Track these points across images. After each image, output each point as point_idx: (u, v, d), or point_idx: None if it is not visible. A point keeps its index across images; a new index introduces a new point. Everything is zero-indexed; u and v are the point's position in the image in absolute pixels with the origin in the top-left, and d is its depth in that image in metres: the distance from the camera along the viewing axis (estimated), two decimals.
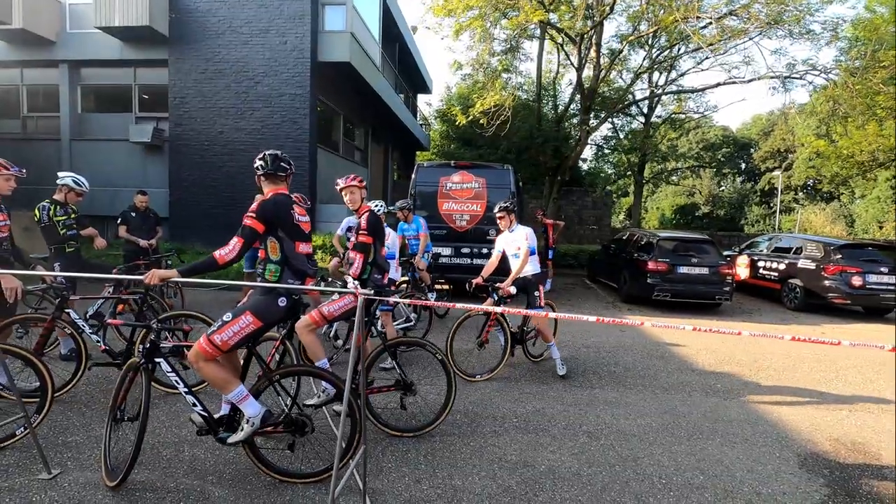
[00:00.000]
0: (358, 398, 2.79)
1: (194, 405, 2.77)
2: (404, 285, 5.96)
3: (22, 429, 3.00)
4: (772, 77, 11.85)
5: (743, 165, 39.35)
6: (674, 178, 32.45)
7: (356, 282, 3.24)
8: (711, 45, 10.88)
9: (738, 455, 3.36)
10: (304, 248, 2.82)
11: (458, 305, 3.08)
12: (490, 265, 4.88)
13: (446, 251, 8.23)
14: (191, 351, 2.63)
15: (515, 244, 4.71)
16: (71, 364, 4.26)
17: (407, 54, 20.81)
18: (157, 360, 2.78)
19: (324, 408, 3.48)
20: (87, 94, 13.78)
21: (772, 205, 35.71)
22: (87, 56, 13.10)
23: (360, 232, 3.55)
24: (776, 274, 9.88)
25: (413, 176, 8.69)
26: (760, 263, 10.45)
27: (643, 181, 19.72)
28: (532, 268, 4.70)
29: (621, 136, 19.59)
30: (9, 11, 11.07)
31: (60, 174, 4.77)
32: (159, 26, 12.07)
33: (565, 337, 6.36)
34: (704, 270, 8.46)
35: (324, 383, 3.35)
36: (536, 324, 4.78)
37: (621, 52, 14.68)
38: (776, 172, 32.19)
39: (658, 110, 19.76)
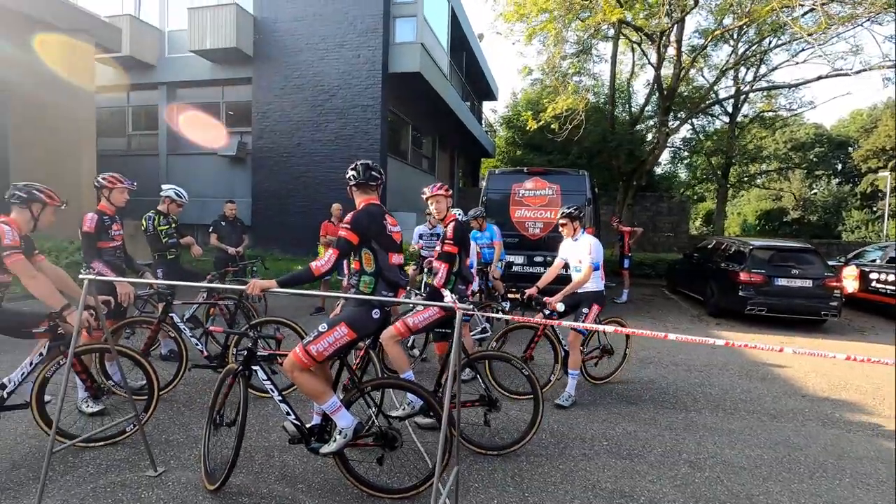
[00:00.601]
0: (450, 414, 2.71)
1: (288, 414, 2.80)
2: (477, 295, 5.86)
3: (132, 426, 3.19)
4: (889, 67, 10.56)
5: (839, 166, 35.67)
6: (758, 181, 30.01)
7: (454, 296, 3.13)
8: (812, 34, 9.89)
9: (875, 500, 2.91)
10: (396, 258, 2.79)
11: (520, 319, 2.92)
12: (548, 274, 4.42)
13: (519, 260, 8.04)
14: (286, 360, 2.66)
15: (578, 256, 4.25)
16: (170, 364, 4.55)
17: (473, 61, 20.88)
18: (253, 367, 2.85)
19: (406, 421, 3.44)
20: (182, 112, 14.98)
21: (875, 209, 32.05)
22: (182, 77, 14.27)
23: (447, 241, 3.48)
24: (894, 287, 8.75)
25: (484, 183, 8.60)
26: (873, 276, 9.31)
27: (727, 185, 18.30)
28: (593, 284, 4.19)
29: (702, 137, 18.32)
30: (118, 41, 12.28)
31: (164, 186, 5.14)
32: (245, 47, 12.91)
33: (649, 353, 5.96)
34: (807, 283, 7.64)
35: (409, 396, 3.30)
36: (569, 343, 4.24)
37: (704, 47, 13.76)
38: (882, 173, 28.82)
39: (745, 109, 18.34)
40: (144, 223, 4.85)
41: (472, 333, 5.05)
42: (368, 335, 2.90)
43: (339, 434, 2.65)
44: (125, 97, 15.18)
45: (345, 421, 2.65)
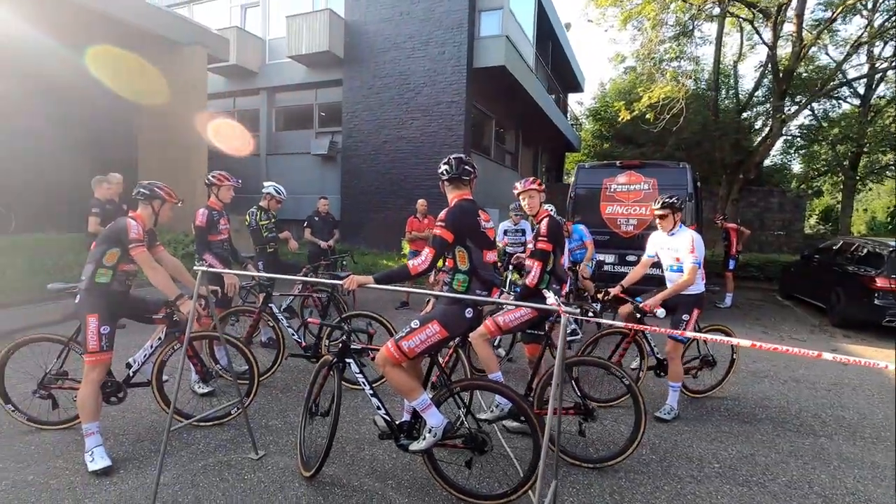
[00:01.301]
0: (537, 418, 2.56)
1: (378, 408, 2.80)
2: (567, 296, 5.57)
3: (236, 409, 3.39)
4: None
5: None
6: (889, 172, 25.95)
7: (559, 298, 2.94)
8: None
9: None
10: (490, 256, 2.68)
11: (609, 322, 2.64)
12: (635, 273, 4.02)
13: (609, 259, 7.58)
14: (378, 354, 2.65)
15: (675, 253, 3.77)
16: (269, 351, 4.81)
17: (559, 52, 20.18)
18: (347, 359, 2.88)
19: (494, 424, 3.32)
20: (280, 115, 16.02)
21: None
22: (281, 82, 15.23)
23: (540, 238, 3.30)
24: None
25: (573, 178, 8.21)
26: None
27: (856, 177, 15.97)
28: (693, 286, 3.72)
29: (825, 124, 16.11)
30: (227, 51, 13.37)
31: (265, 184, 5.44)
32: (336, 50, 13.48)
33: (762, 365, 5.33)
34: None
35: (497, 398, 3.18)
36: (668, 353, 3.82)
37: (831, 21, 12.06)
38: None
39: (880, 89, 15.83)
40: (248, 218, 5.17)
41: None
42: (460, 334, 2.81)
43: (429, 432, 2.59)
44: (231, 102, 16.53)
45: (434, 419, 2.59)
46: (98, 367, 2.88)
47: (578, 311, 2.09)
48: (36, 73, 9.76)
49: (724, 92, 17.50)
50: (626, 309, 4.00)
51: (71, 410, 3.28)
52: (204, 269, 2.68)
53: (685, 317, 3.74)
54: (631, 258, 7.53)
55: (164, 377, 3.34)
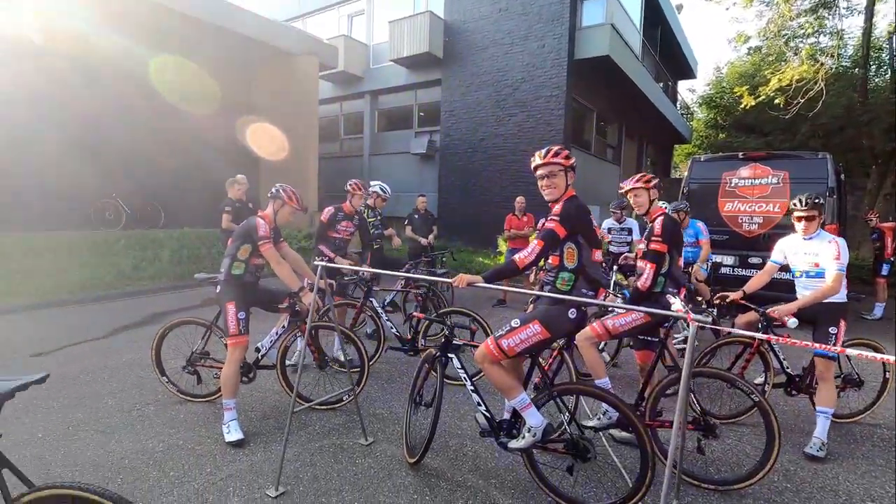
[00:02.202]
0: (647, 430, 2.40)
1: (479, 404, 2.81)
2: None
3: (347, 396, 3.61)
4: None
5: None
6: None
7: (684, 303, 2.73)
8: None
9: None
10: (598, 255, 2.56)
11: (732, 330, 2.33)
12: (758, 279, 3.57)
13: (728, 261, 6.90)
14: (478, 351, 2.66)
15: (814, 258, 3.27)
16: (371, 343, 5.06)
17: (669, 37, 18.77)
18: (449, 354, 2.93)
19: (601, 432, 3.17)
20: (382, 116, 16.77)
21: None
22: (383, 85, 15.93)
23: (654, 238, 3.08)
24: None
25: (686, 172, 7.59)
26: None
27: None
28: (837, 295, 3.23)
29: None
30: (335, 58, 14.29)
31: (372, 183, 5.72)
32: (436, 50, 13.77)
33: None
34: None
35: (604, 405, 3.04)
36: (819, 373, 3.29)
37: None
38: None
39: None
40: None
41: (672, 342, 4.47)
42: (563, 335, 2.72)
43: (528, 432, 2.55)
44: (338, 107, 17.64)
45: (534, 419, 2.54)
46: (238, 349, 3.22)
47: (710, 319, 1.90)
48: (179, 88, 11.18)
49: (873, 69, 15.06)
50: (747, 317, 3.61)
51: (211, 386, 3.72)
52: (323, 263, 2.88)
53: (832, 329, 3.25)
54: (754, 260, 6.79)
55: (287, 362, 3.66)
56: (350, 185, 4.88)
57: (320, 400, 3.55)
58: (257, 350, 3.64)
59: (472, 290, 8.59)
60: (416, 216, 7.56)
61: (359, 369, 3.65)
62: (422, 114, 15.70)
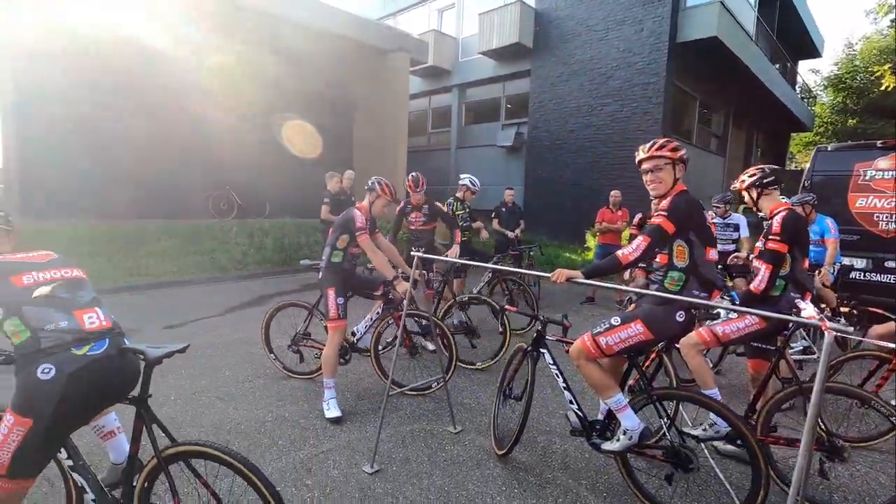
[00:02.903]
0: (761, 446, 2.20)
1: (571, 402, 2.75)
2: None
3: (436, 383, 3.70)
4: None
5: None
6: None
7: (820, 312, 2.46)
8: None
9: None
10: (712, 253, 2.37)
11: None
12: None
13: (859, 264, 6.09)
14: (573, 347, 2.59)
15: None
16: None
17: (789, 12, 16.82)
18: (542, 349, 2.89)
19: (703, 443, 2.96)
20: (469, 109, 16.84)
21: None
22: (471, 78, 15.96)
23: (772, 237, 2.79)
24: None
25: (809, 164, 6.78)
26: None
27: None
28: None
29: None
30: (425, 53, 14.56)
31: (462, 176, 5.78)
32: (525, 40, 13.52)
33: None
34: None
35: (711, 416, 2.83)
36: None
37: None
38: None
39: None
40: (445, 208, 5.55)
41: (790, 352, 4.04)
42: (667, 338, 2.57)
43: (624, 434, 2.44)
44: (426, 101, 17.99)
45: (630, 422, 2.43)
46: (338, 332, 3.43)
47: (850, 329, 1.69)
48: (278, 88, 12.05)
49: None
50: (885, 328, 3.16)
51: (312, 365, 4.00)
52: (420, 254, 2.96)
53: None
54: (891, 264, 5.93)
55: (380, 347, 3.83)
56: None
57: (411, 386, 3.68)
58: (353, 334, 3.84)
59: (560, 286, 8.38)
60: (504, 209, 7.52)
61: (447, 358, 3.72)
62: (509, 106, 15.54)
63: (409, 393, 3.72)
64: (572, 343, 2.66)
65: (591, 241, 10.97)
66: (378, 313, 3.81)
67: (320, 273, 3.60)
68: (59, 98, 8.75)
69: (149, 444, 1.77)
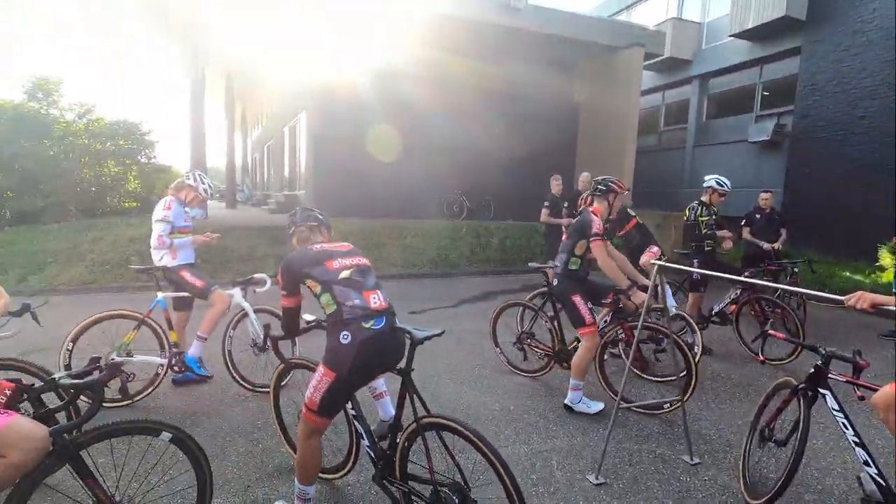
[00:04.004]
0: None
1: (867, 464, 2.15)
2: None
3: (669, 404, 3.37)
4: None
5: None
6: None
7: None
8: None
9: None
10: None
11: None
12: None
13: None
14: (880, 395, 2.03)
15: None
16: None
17: None
18: (821, 390, 2.34)
19: None
20: (712, 102, 14.82)
21: None
22: (717, 66, 14.03)
23: None
24: None
25: None
26: None
27: None
28: None
29: None
30: (662, 45, 13.39)
31: (707, 177, 5.06)
32: (796, 12, 11.20)
33: None
34: None
35: None
36: None
37: None
38: None
39: None
40: (688, 213, 4.99)
41: None
42: None
43: None
44: (659, 97, 16.51)
45: None
46: (593, 337, 3.37)
47: None
48: (504, 96, 12.66)
49: None
50: None
51: (534, 364, 4.09)
52: (661, 263, 2.74)
53: None
54: None
55: (605, 356, 3.68)
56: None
57: (642, 403, 3.44)
58: (577, 340, 3.78)
59: (834, 313, 6.68)
60: (758, 216, 6.41)
61: (685, 378, 3.34)
62: (766, 94, 13.11)
63: (637, 410, 3.48)
64: (871, 387, 2.10)
65: (888, 260, 8.45)
66: (606, 321, 3.67)
67: (555, 280, 3.61)
68: (339, 125, 11.05)
69: (410, 410, 2.08)
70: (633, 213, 4.79)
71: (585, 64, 13.67)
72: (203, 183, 3.78)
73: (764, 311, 4.68)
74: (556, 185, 7.25)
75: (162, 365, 3.44)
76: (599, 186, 3.63)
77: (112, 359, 3.31)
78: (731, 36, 12.80)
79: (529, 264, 4.19)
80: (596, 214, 3.50)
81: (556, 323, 3.88)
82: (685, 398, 3.29)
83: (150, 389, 3.42)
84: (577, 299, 3.38)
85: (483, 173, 12.38)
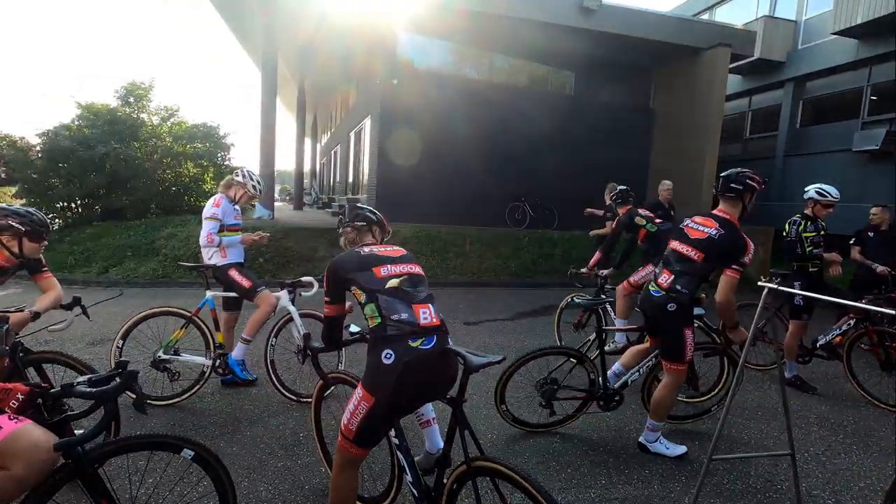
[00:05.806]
0: None
1: None
2: None
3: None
4: None
5: None
6: None
7: None
8: None
9: None
10: None
11: None
12: None
13: None
14: None
15: None
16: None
17: None
18: None
19: None
20: (808, 107, 13.42)
21: None
22: (815, 68, 12.69)
23: None
24: None
25: None
26: None
27: None
28: None
29: None
30: (751, 46, 12.28)
31: (807, 188, 4.38)
32: None
33: None
34: None
35: None
36: None
37: None
38: None
39: None
40: (787, 228, 4.32)
41: None
42: None
43: None
44: (745, 102, 15.20)
45: None
46: (681, 375, 2.91)
47: None
48: (579, 100, 12.08)
49: None
50: None
51: None
52: (772, 286, 2.25)
53: None
54: None
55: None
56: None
57: (741, 455, 2.90)
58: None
59: None
60: (871, 234, 5.51)
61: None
62: (874, 98, 11.64)
63: (729, 456, 2.94)
64: None
65: None
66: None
67: (670, 305, 3.07)
68: (402, 129, 10.99)
69: (459, 444, 1.76)
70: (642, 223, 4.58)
71: (664, 66, 12.82)
72: (252, 180, 3.72)
73: (887, 343, 3.93)
74: (665, 192, 6.54)
75: (206, 366, 3.36)
76: (732, 184, 2.77)
77: (159, 356, 3.26)
78: (833, 34, 11.49)
79: (601, 272, 3.76)
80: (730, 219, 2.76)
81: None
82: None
83: (195, 389, 3.34)
84: (689, 333, 2.84)
85: (547, 181, 11.88)
